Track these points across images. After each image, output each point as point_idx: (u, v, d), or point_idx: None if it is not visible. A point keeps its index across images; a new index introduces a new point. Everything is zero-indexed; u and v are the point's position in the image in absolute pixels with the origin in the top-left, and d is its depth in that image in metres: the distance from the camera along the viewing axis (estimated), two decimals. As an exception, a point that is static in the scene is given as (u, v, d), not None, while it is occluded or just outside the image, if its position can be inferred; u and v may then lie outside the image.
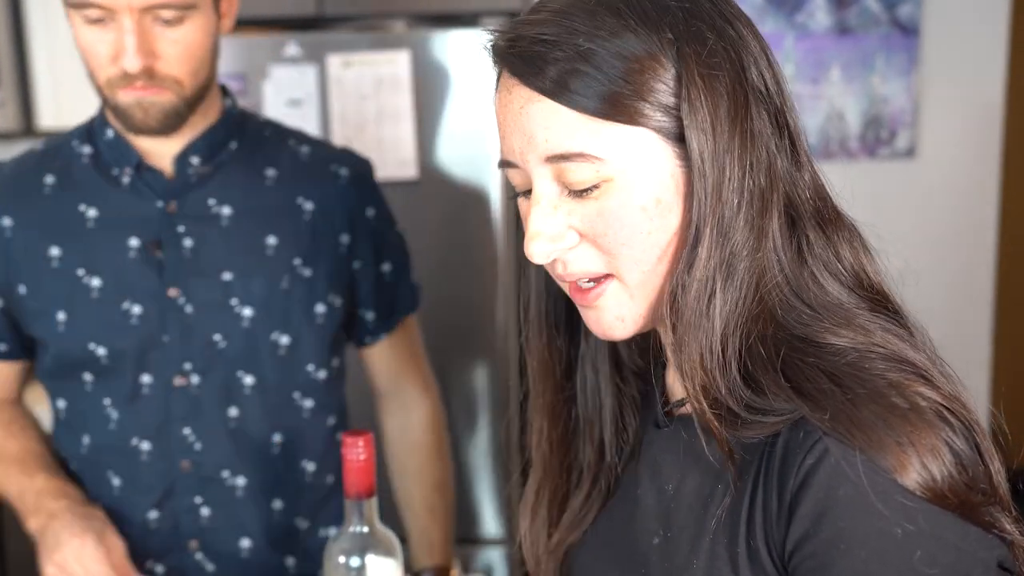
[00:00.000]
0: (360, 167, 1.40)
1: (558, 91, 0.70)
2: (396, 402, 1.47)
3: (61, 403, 1.32)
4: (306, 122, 2.11)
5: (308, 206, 1.31)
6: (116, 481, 1.29)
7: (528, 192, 0.76)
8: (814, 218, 0.75)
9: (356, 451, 0.98)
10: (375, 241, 1.37)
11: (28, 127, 2.38)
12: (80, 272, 1.26)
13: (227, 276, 1.27)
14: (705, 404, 0.71)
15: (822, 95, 2.08)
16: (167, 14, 1.16)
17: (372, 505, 1.01)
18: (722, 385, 0.71)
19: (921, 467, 0.64)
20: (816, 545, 0.66)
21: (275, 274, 1.28)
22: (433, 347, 2.18)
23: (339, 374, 1.39)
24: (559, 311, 0.87)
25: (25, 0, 2.35)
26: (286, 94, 2.11)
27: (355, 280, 1.36)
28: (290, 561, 1.36)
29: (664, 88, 0.70)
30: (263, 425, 1.30)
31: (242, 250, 1.28)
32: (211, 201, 1.28)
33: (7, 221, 1.27)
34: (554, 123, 0.71)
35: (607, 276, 0.74)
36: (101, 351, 1.26)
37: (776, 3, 2.06)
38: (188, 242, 1.26)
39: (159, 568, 1.31)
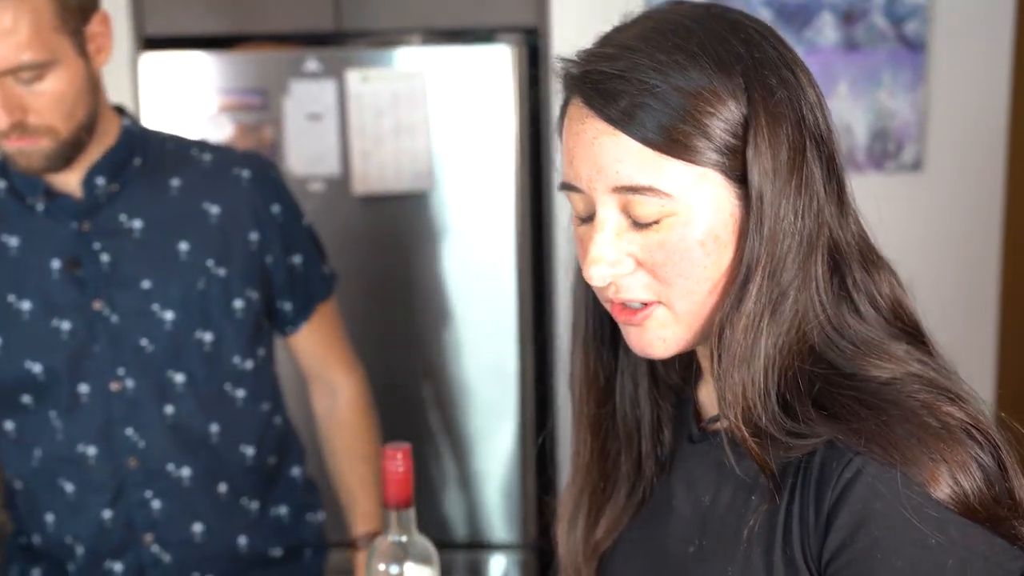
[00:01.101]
0: (262, 167, 1.44)
1: (632, 126, 0.73)
2: (323, 385, 1.54)
3: (9, 424, 1.37)
4: (325, 136, 2.15)
5: (214, 210, 1.37)
6: (69, 487, 1.35)
7: (588, 218, 0.79)
8: (857, 258, 0.79)
9: (395, 463, 1.01)
10: (283, 235, 1.42)
11: None
12: (11, 298, 1.32)
13: (146, 284, 1.33)
14: (746, 431, 0.75)
15: (830, 109, 2.12)
16: (25, 75, 1.20)
17: (410, 515, 1.02)
18: (763, 415, 0.75)
19: (952, 482, 0.69)
20: (853, 554, 0.70)
21: (190, 277, 1.34)
22: (447, 354, 2.22)
23: (266, 362, 1.45)
24: (605, 328, 0.90)
25: None
26: (305, 108, 2.14)
27: (269, 274, 1.42)
28: (242, 540, 1.42)
29: (732, 131, 0.74)
30: (199, 418, 1.36)
31: (157, 258, 1.34)
32: (122, 216, 1.34)
33: None
34: (626, 157, 0.74)
35: (656, 302, 0.78)
36: (37, 368, 1.32)
37: (785, 19, 2.10)
38: (105, 257, 1.33)
39: (117, 566, 1.37)
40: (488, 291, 2.21)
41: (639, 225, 0.76)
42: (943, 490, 0.69)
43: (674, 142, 0.73)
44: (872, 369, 0.75)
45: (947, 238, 2.16)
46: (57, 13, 1.21)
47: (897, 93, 2.10)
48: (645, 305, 0.78)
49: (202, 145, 1.44)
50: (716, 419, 0.84)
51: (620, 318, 0.81)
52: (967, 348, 2.16)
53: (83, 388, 1.33)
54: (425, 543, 1.04)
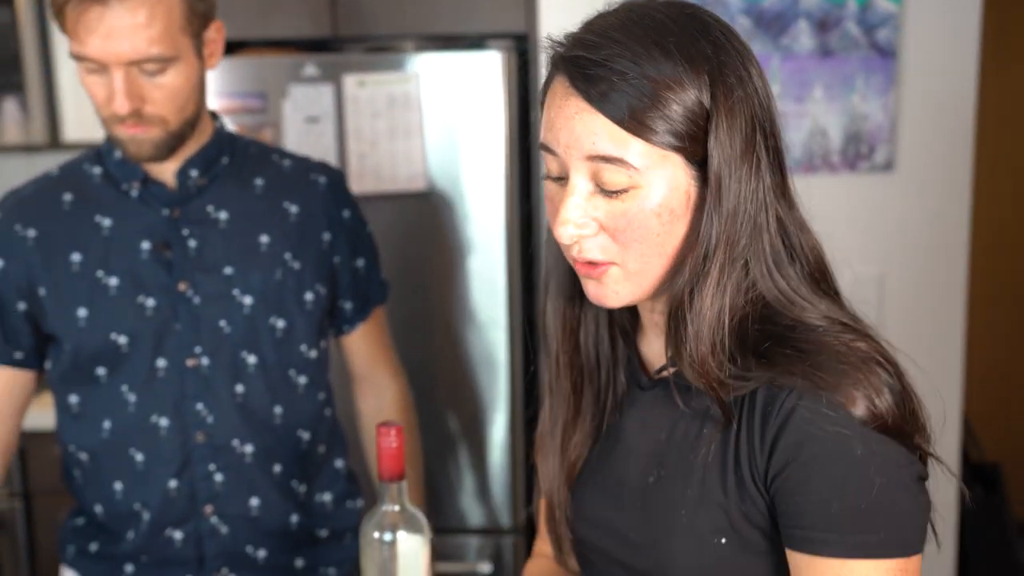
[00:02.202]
0: (335, 176, 1.56)
1: (608, 106, 0.84)
2: (370, 386, 1.63)
3: (74, 398, 1.45)
4: (323, 138, 2.21)
5: (293, 209, 1.48)
6: (139, 457, 1.43)
7: (558, 178, 0.90)
8: (795, 229, 0.92)
9: (389, 439, 1.08)
10: (350, 239, 1.53)
11: (54, 140, 2.46)
12: (99, 274, 1.41)
13: (228, 270, 1.43)
14: (703, 379, 0.89)
15: (806, 113, 2.19)
16: (150, 67, 1.31)
17: (402, 487, 1.10)
18: (713, 364, 0.88)
19: (869, 403, 0.84)
20: (795, 468, 0.85)
21: (269, 267, 1.44)
22: (440, 349, 2.29)
23: (326, 355, 1.55)
24: (570, 280, 1.02)
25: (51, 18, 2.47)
26: (304, 112, 2.21)
27: (336, 273, 1.51)
28: (294, 518, 1.50)
29: (694, 120, 0.85)
30: (265, 399, 1.45)
31: (239, 248, 1.44)
32: (209, 208, 1.44)
33: (31, 232, 1.42)
34: (601, 131, 0.85)
35: (611, 264, 0.90)
36: (122, 339, 1.40)
37: (763, 27, 2.18)
38: (192, 243, 1.43)
39: (178, 534, 1.45)
40: (479, 286, 2.27)
41: (606, 193, 0.87)
42: (861, 411, 0.84)
43: (640, 123, 0.84)
44: (805, 318, 0.89)
45: (917, 234, 2.23)
46: (185, 15, 1.32)
47: (869, 97, 2.17)
48: (601, 264, 0.90)
49: (281, 152, 1.56)
50: (663, 368, 0.97)
51: (581, 272, 0.92)
52: (936, 341, 2.25)
53: (161, 363, 1.41)
54: (416, 513, 1.11)
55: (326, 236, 1.50)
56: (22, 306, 1.43)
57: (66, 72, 2.45)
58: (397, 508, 1.10)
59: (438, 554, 2.29)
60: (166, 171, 1.43)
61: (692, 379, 0.90)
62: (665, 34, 0.85)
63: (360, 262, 1.56)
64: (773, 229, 0.89)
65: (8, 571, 2.38)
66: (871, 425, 0.84)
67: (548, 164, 0.91)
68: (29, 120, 2.42)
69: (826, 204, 2.18)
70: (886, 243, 2.23)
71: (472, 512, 2.34)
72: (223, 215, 1.45)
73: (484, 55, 2.20)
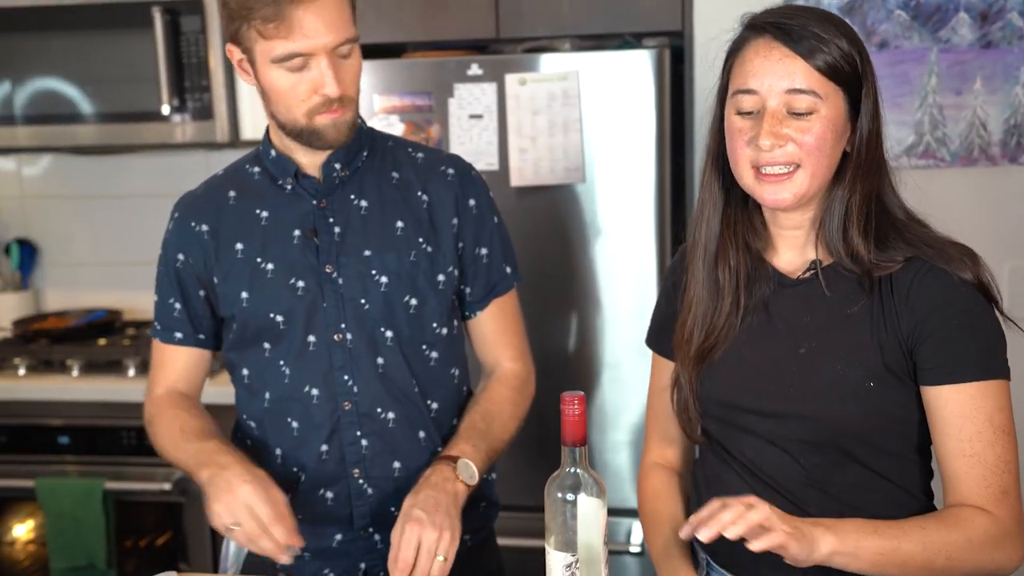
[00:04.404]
0: (464, 167, 1.65)
1: (807, 54, 1.22)
2: (487, 368, 1.68)
3: (245, 371, 1.60)
4: (486, 133, 2.32)
5: (425, 198, 1.59)
6: (295, 424, 1.57)
7: (749, 113, 1.24)
8: (892, 170, 1.31)
9: (572, 407, 1.17)
10: (475, 227, 1.61)
11: (236, 139, 2.65)
12: (258, 260, 1.56)
13: (367, 253, 1.55)
14: (855, 261, 1.25)
15: (965, 105, 2.18)
16: (344, 49, 1.45)
17: (584, 452, 1.18)
18: (863, 248, 1.25)
19: (975, 275, 1.22)
20: (935, 321, 1.21)
21: (404, 250, 1.55)
22: (592, 332, 2.36)
23: (458, 334, 1.64)
24: (724, 203, 1.35)
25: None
26: (468, 109, 2.32)
27: (461, 258, 1.61)
28: None
29: (855, 72, 1.24)
30: (403, 370, 1.56)
31: (378, 233, 1.56)
32: (352, 197, 1.57)
33: (204, 227, 1.59)
34: (800, 72, 1.22)
35: (797, 167, 1.23)
36: (279, 318, 1.55)
37: (921, 20, 2.18)
38: (337, 229, 1.55)
39: (330, 494, 1.57)
40: (631, 275, 2.34)
41: (796, 115, 1.22)
42: (969, 277, 1.22)
43: (827, 67, 1.22)
44: (902, 216, 1.28)
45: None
46: (352, 5, 1.49)
47: (1033, 88, 2.14)
48: (789, 173, 1.23)
49: (415, 145, 1.67)
50: (809, 268, 1.30)
51: (767, 181, 1.25)
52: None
53: (311, 338, 1.55)
54: (596, 477, 1.19)
55: (454, 222, 1.60)
56: (201, 293, 1.61)
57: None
58: (579, 471, 1.18)
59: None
60: (314, 166, 1.57)
61: (850, 262, 1.25)
62: (836, 21, 1.25)
63: (483, 251, 1.62)
64: (887, 162, 1.28)
65: (194, 537, 2.59)
66: (979, 290, 1.21)
67: (742, 103, 1.25)
68: (214, 120, 2.61)
69: (985, 196, 2.18)
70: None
71: (629, 494, 2.40)
72: (363, 203, 1.57)
73: (638, 53, 2.27)
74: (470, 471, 1.49)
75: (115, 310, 3.03)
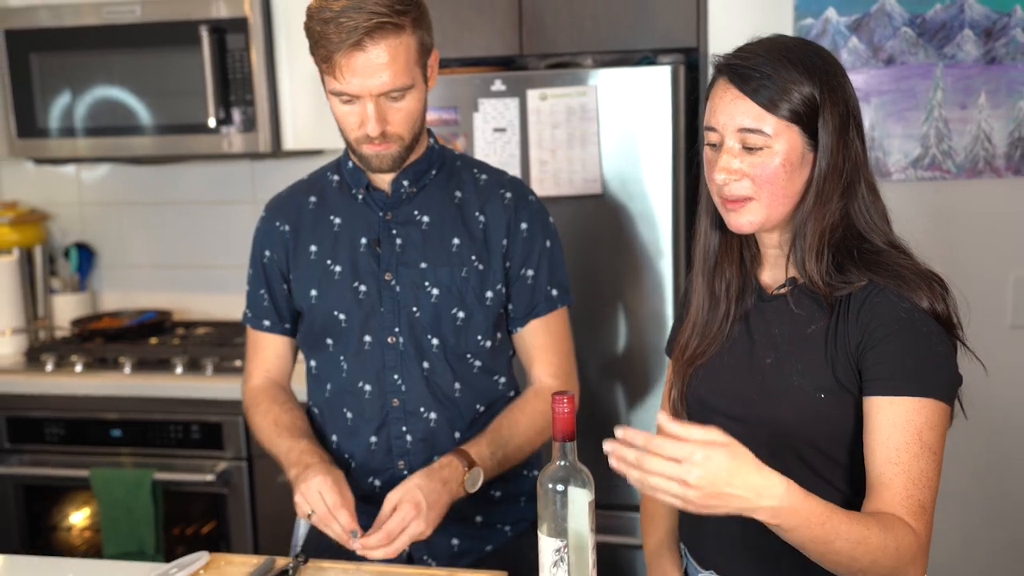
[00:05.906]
0: (522, 191, 1.74)
1: (754, 94, 1.28)
2: (529, 380, 1.76)
3: (313, 363, 1.75)
4: (508, 145, 2.40)
5: (482, 218, 1.69)
6: (349, 415, 1.71)
7: (715, 146, 1.33)
8: (874, 190, 1.35)
9: (562, 406, 1.25)
10: (523, 249, 1.70)
11: (278, 149, 2.76)
12: (328, 262, 1.69)
13: (423, 265, 1.66)
14: (816, 282, 1.32)
15: (970, 119, 2.23)
16: (394, 94, 1.55)
17: (573, 447, 1.27)
18: (823, 271, 1.31)
19: (929, 301, 1.28)
20: (880, 338, 1.27)
21: (457, 266, 1.66)
22: (609, 336, 2.44)
23: (503, 345, 1.73)
24: (719, 223, 1.43)
25: (276, 42, 2.71)
26: (492, 123, 2.41)
27: (507, 277, 1.70)
28: None
29: (810, 106, 1.29)
30: (447, 376, 1.68)
31: (434, 248, 1.67)
32: (415, 212, 1.68)
33: (286, 227, 1.73)
34: (750, 113, 1.29)
35: (750, 199, 1.31)
36: (341, 316, 1.68)
37: (927, 37, 2.23)
38: (399, 240, 1.67)
39: (377, 482, 1.70)
40: (647, 282, 2.40)
41: (748, 151, 1.30)
42: (925, 304, 1.28)
43: (773, 105, 1.28)
44: (883, 244, 1.33)
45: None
46: (418, 50, 1.56)
47: (1037, 102, 2.18)
48: (744, 201, 1.32)
49: (481, 166, 1.76)
50: (783, 286, 1.38)
51: (728, 207, 1.34)
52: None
53: (368, 338, 1.68)
54: (584, 470, 1.27)
55: (505, 242, 1.69)
56: (284, 286, 1.75)
57: (287, 91, 2.74)
58: (568, 464, 1.27)
59: (612, 529, 2.46)
60: (385, 180, 1.69)
61: (809, 284, 1.32)
62: (792, 53, 1.30)
63: (529, 272, 1.69)
64: (863, 185, 1.32)
65: (236, 526, 2.73)
66: (930, 314, 1.27)
67: (709, 137, 1.33)
68: (257, 132, 2.73)
69: (990, 207, 2.24)
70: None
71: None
72: (425, 219, 1.68)
73: (655, 70, 2.34)
74: (475, 482, 1.59)
75: (165, 311, 3.18)
